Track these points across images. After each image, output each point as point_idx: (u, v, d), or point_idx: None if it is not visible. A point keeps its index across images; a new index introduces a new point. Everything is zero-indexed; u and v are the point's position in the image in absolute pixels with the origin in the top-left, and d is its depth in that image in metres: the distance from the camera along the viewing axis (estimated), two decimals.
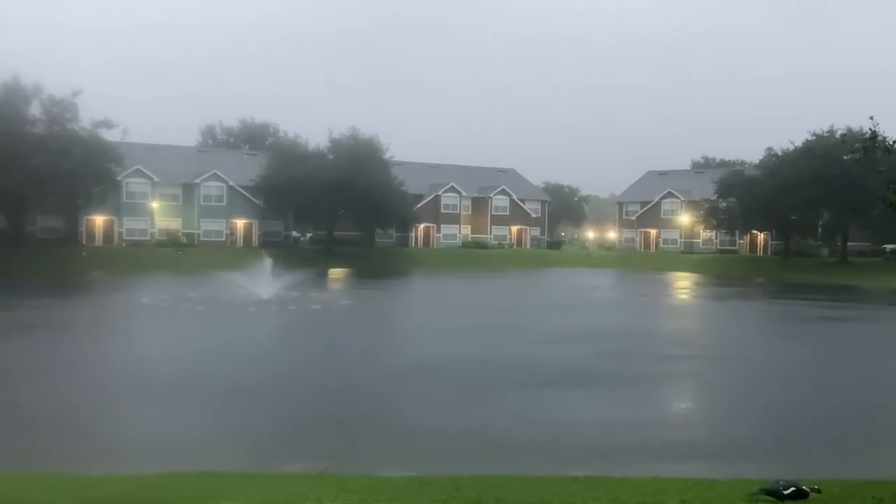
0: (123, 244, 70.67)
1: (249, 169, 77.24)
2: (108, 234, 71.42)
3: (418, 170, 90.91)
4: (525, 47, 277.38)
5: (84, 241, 69.53)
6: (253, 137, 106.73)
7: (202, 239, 74.56)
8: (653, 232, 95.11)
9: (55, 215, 68.62)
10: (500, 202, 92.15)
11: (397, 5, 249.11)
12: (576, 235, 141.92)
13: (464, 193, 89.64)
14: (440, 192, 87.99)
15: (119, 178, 69.40)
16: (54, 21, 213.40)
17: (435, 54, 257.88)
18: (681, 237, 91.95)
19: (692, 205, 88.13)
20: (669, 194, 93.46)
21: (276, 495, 8.91)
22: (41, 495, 8.51)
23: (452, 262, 75.61)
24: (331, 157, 76.40)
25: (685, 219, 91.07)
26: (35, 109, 63.98)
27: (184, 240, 72.41)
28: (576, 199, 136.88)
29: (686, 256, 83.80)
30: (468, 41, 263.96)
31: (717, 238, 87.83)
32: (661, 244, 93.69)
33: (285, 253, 63.84)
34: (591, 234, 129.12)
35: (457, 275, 63.27)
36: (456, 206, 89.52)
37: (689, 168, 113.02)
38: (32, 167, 60.64)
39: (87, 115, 65.19)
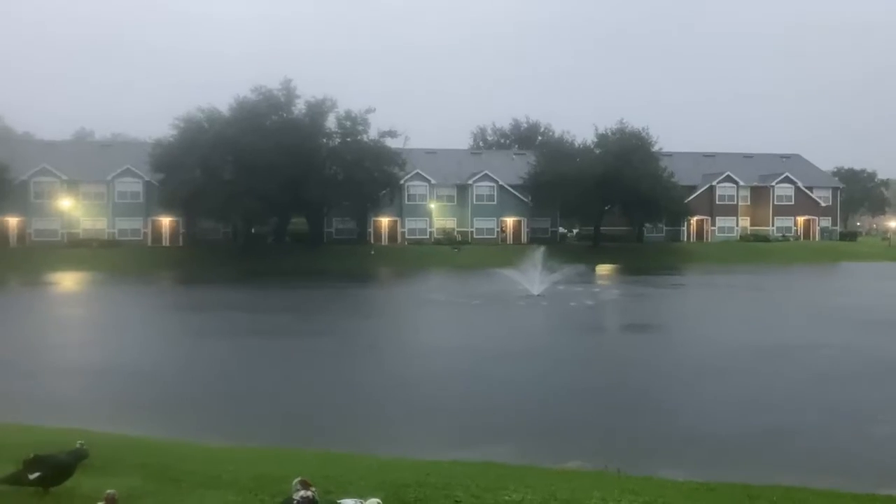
0: (406, 243, 75.98)
1: (518, 168, 79.29)
2: (393, 233, 77.20)
3: (690, 160, 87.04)
4: (812, 20, 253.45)
5: (372, 241, 75.83)
6: (524, 137, 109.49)
7: (475, 237, 77.86)
8: None
9: (348, 218, 75.83)
10: (783, 191, 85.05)
11: None
12: (874, 225, 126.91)
13: (741, 183, 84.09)
14: (714, 183, 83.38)
15: (402, 182, 74.90)
16: (344, 47, 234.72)
17: (707, 37, 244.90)
18: None
19: None
20: None
21: (560, 490, 9.00)
22: (339, 473, 9.35)
23: (730, 256, 71.17)
24: (598, 151, 75.87)
25: None
26: (331, 124, 71.57)
27: (459, 238, 76.11)
28: (873, 183, 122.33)
29: None
30: (747, 17, 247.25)
31: None
32: None
33: (553, 249, 64.45)
34: (893, 223, 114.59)
35: (736, 271, 59.33)
36: (733, 196, 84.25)
37: None
38: (329, 176, 68.38)
39: (375, 125, 71.75)
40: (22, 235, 70.09)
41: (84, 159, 73.70)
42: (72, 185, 71.40)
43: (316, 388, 18.98)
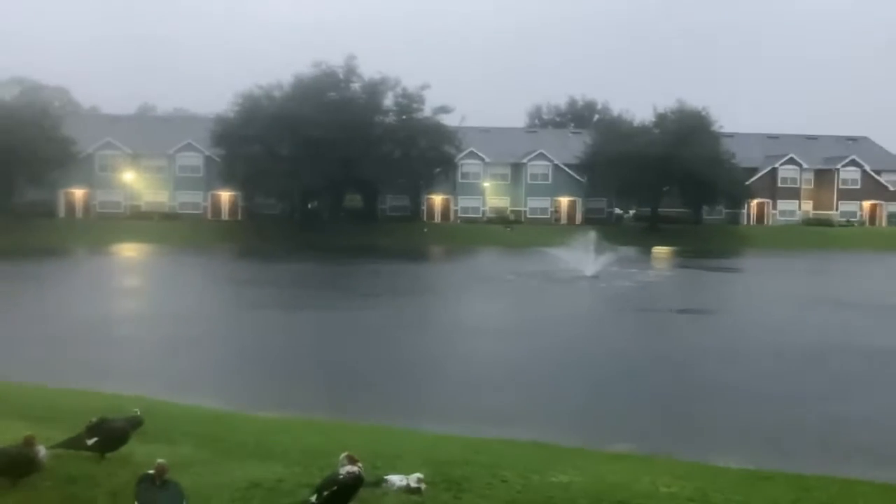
0: (458, 221, 75.93)
1: (574, 147, 78.24)
2: (445, 211, 77.22)
3: (752, 141, 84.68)
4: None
5: (425, 218, 76.00)
6: (579, 116, 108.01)
7: (528, 216, 77.34)
8: None
9: (402, 195, 76.12)
10: (848, 174, 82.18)
11: None
12: None
13: (805, 165, 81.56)
14: (777, 165, 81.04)
15: (456, 161, 74.73)
16: (400, 26, 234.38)
17: (769, 13, 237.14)
18: None
19: None
20: None
21: (609, 473, 8.90)
22: (388, 449, 9.41)
23: (791, 241, 69.27)
24: (656, 131, 74.43)
25: None
26: (388, 101, 71.70)
27: (512, 217, 75.75)
28: None
29: None
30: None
31: None
32: None
33: (608, 230, 63.69)
34: None
35: (798, 256, 57.76)
36: (795, 179, 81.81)
37: None
38: (385, 154, 68.64)
39: (430, 104, 71.45)
40: (87, 207, 72.16)
41: (147, 133, 75.43)
42: (135, 159, 73.21)
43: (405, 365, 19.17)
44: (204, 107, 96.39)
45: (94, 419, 7.56)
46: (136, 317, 26.25)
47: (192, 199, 73.41)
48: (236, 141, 66.16)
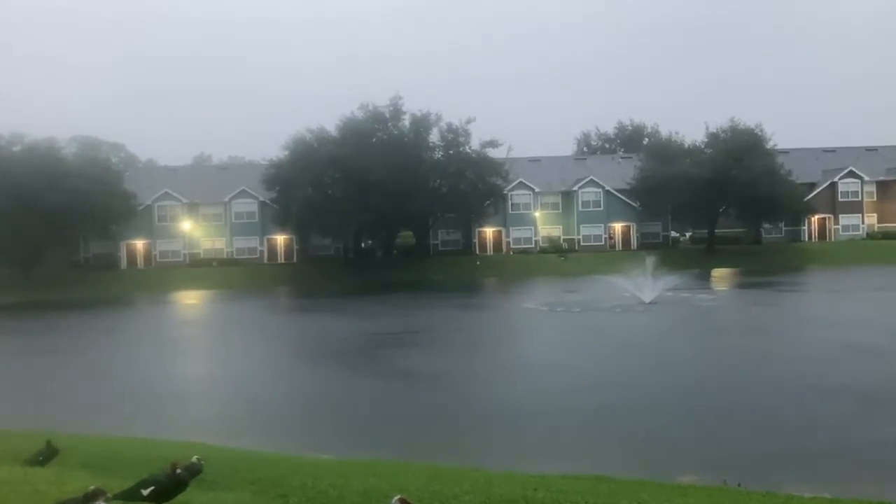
0: (511, 252, 75.69)
1: (625, 172, 77.56)
2: (498, 243, 77.06)
3: (809, 156, 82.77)
4: None
5: (477, 251, 75.95)
6: (629, 140, 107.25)
7: (582, 244, 76.68)
8: None
9: (453, 229, 76.38)
10: None
11: None
12: None
13: (866, 178, 79.20)
14: (836, 179, 78.89)
15: (505, 192, 74.77)
16: (446, 59, 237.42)
17: (817, 25, 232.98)
18: None
19: None
20: None
21: None
22: (445, 488, 9.26)
23: (856, 256, 67.09)
24: (708, 151, 73.32)
25: None
26: (434, 137, 72.40)
27: (565, 245, 75.17)
28: None
29: None
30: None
31: None
32: None
33: (665, 254, 62.69)
34: None
35: (866, 272, 55.82)
36: (857, 192, 79.44)
37: None
38: (433, 189, 69.15)
39: (477, 136, 71.94)
40: (148, 257, 74.06)
41: (203, 182, 77.51)
42: (192, 208, 75.15)
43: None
44: (258, 153, 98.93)
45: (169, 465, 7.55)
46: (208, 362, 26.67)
47: (248, 245, 74.88)
48: (289, 184, 67.45)
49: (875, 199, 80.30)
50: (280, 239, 74.80)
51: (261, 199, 73.87)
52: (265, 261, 74.34)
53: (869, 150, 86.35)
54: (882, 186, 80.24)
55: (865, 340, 26.15)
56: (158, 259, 73.86)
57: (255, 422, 17.42)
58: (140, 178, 74.97)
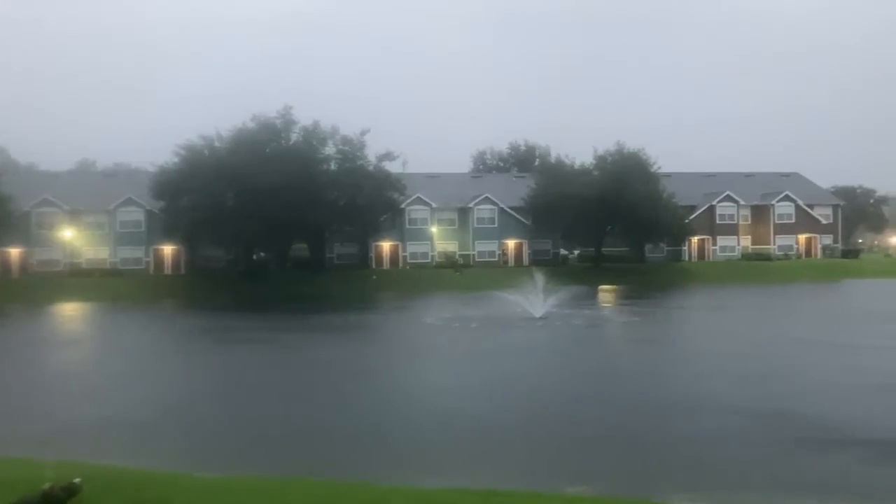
0: (408, 267, 75.98)
1: (518, 191, 79.54)
2: (394, 257, 77.24)
3: (690, 180, 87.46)
4: (794, 41, 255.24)
5: (373, 265, 75.83)
6: (522, 160, 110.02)
7: (477, 259, 77.92)
8: None
9: (349, 243, 75.95)
10: (783, 209, 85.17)
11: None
12: (875, 242, 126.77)
13: (742, 202, 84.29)
14: (715, 202, 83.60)
15: (402, 207, 75.05)
16: (346, 72, 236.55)
17: (696, 51, 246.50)
18: None
19: None
20: None
21: None
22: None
23: (733, 275, 71.21)
24: (596, 173, 76.09)
25: None
26: (329, 149, 71.65)
27: (461, 261, 76.13)
28: (872, 201, 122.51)
29: None
30: (732, 32, 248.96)
31: None
32: None
33: (554, 271, 64.46)
34: (894, 240, 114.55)
35: (745, 290, 59.28)
36: (733, 215, 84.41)
37: None
38: (329, 201, 68.44)
39: (373, 149, 71.69)
40: (24, 266, 70.28)
41: (86, 189, 74.11)
42: (74, 216, 71.69)
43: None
44: (144, 160, 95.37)
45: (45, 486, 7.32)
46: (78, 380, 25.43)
47: (133, 255, 72.13)
48: (178, 192, 65.35)
49: (750, 221, 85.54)
50: (167, 249, 72.33)
51: (148, 207, 71.28)
52: (151, 272, 71.70)
53: (746, 176, 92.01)
54: (756, 210, 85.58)
55: (730, 350, 27.85)
56: (35, 268, 69.95)
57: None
58: (18, 182, 70.88)
